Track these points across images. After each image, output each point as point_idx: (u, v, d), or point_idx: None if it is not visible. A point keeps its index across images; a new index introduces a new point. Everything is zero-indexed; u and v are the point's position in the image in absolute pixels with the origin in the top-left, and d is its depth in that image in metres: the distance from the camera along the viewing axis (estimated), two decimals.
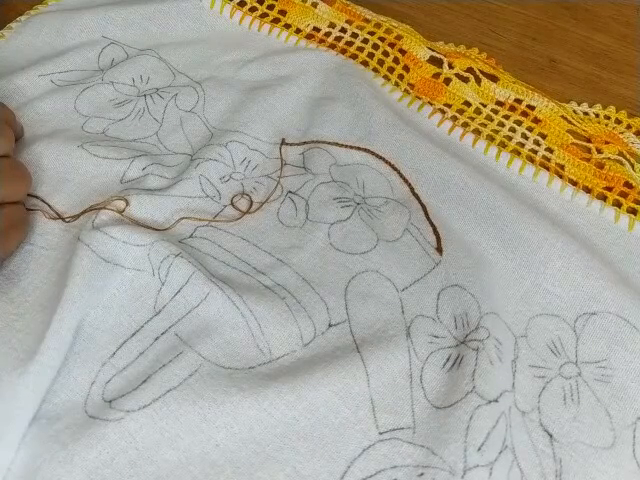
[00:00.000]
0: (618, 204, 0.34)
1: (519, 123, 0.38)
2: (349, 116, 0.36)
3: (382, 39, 0.41)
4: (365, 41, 0.41)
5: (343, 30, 0.42)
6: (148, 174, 0.32)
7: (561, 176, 0.35)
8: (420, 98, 0.38)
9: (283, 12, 0.42)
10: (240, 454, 0.25)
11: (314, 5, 0.42)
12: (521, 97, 0.38)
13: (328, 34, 0.41)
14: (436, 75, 0.40)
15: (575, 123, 0.38)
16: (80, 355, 0.26)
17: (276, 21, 0.42)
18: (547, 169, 0.35)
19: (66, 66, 0.37)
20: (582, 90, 0.40)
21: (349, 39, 0.41)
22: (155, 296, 0.28)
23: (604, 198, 0.34)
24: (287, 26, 0.42)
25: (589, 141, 0.37)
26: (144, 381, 0.26)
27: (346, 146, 0.35)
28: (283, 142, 0.35)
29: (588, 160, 0.36)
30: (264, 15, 0.42)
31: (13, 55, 0.38)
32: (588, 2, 0.45)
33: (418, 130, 0.36)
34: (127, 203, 0.30)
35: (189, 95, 0.37)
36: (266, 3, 0.43)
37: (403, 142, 0.35)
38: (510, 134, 0.37)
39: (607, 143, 0.37)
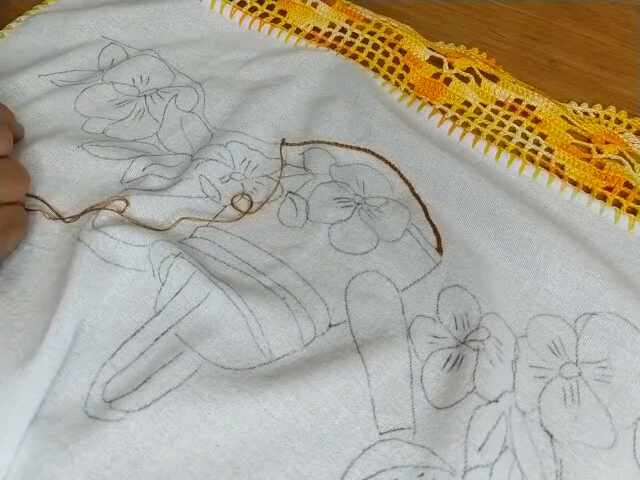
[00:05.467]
0: (618, 204, 0.34)
1: (519, 123, 0.38)
2: (349, 116, 0.36)
3: (382, 39, 0.41)
4: (365, 41, 0.41)
5: (343, 30, 0.42)
6: (148, 174, 0.32)
7: (561, 176, 0.35)
8: (420, 98, 0.38)
9: (283, 12, 0.42)
10: (240, 454, 0.25)
11: (314, 5, 0.42)
12: (521, 97, 0.38)
13: (328, 34, 0.41)
14: (436, 75, 0.40)
15: (575, 123, 0.38)
16: (80, 355, 0.26)
17: (276, 21, 0.42)
18: (547, 169, 0.35)
19: (66, 66, 0.37)
20: (582, 90, 0.40)
21: (349, 39, 0.41)
22: (155, 296, 0.28)
23: (604, 198, 0.34)
24: (287, 26, 0.42)
25: (589, 141, 0.37)
26: (144, 381, 0.26)
27: (346, 146, 0.35)
28: (283, 142, 0.35)
29: (588, 160, 0.36)
30: (264, 15, 0.42)
31: (13, 55, 0.38)
32: (588, 2, 0.45)
33: (418, 130, 0.36)
34: (127, 203, 0.30)
35: (189, 95, 0.37)
36: (266, 3, 0.43)
37: (403, 142, 0.35)
38: (510, 134, 0.37)
39: (607, 143, 0.37)
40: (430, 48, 0.40)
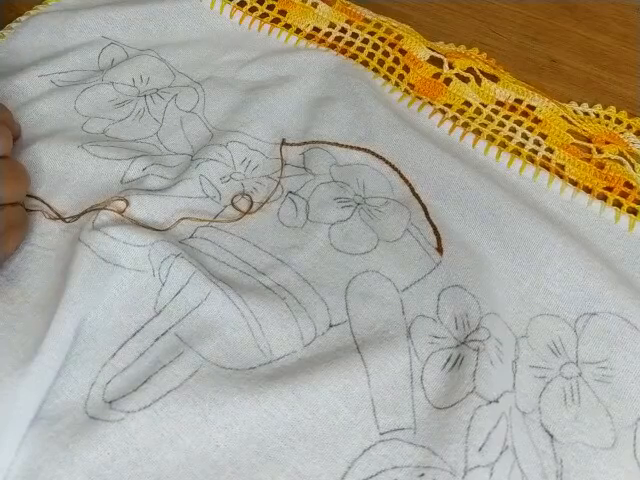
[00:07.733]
0: (618, 204, 0.34)
1: (519, 123, 0.38)
2: (349, 116, 0.36)
3: (382, 39, 0.41)
4: (365, 41, 0.41)
5: (343, 30, 0.42)
6: (148, 174, 0.32)
7: (561, 176, 0.35)
8: (420, 98, 0.38)
9: (283, 12, 0.42)
10: (241, 454, 0.25)
11: (314, 5, 0.42)
12: (521, 97, 0.38)
13: (328, 34, 0.41)
14: (436, 75, 0.40)
15: (575, 123, 0.38)
16: (80, 356, 0.26)
17: (276, 21, 0.42)
18: (547, 169, 0.35)
19: (66, 66, 0.37)
20: (582, 90, 0.40)
21: (349, 39, 0.41)
22: (155, 296, 0.28)
23: (604, 198, 0.34)
24: (287, 26, 0.42)
25: (589, 141, 0.37)
26: (144, 382, 0.26)
27: (346, 146, 0.35)
28: (283, 142, 0.35)
29: (588, 160, 0.36)
30: (264, 15, 0.42)
31: (13, 55, 0.38)
32: (588, 2, 0.45)
33: (418, 130, 0.36)
34: (127, 203, 0.30)
35: (189, 95, 0.37)
36: (266, 3, 0.43)
37: (403, 142, 0.35)
38: (510, 134, 0.37)
39: (607, 143, 0.37)
40: (430, 48, 0.40)
